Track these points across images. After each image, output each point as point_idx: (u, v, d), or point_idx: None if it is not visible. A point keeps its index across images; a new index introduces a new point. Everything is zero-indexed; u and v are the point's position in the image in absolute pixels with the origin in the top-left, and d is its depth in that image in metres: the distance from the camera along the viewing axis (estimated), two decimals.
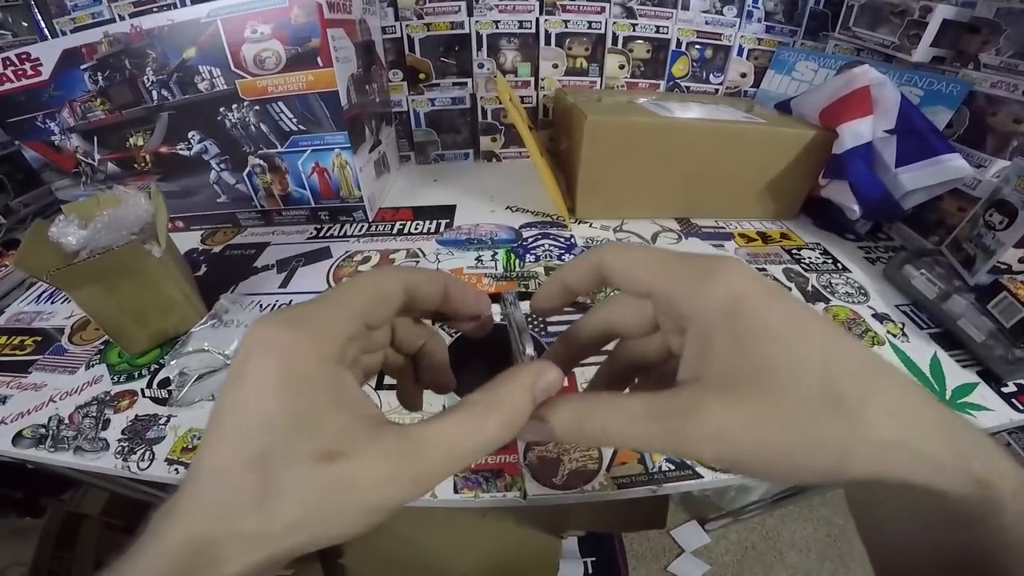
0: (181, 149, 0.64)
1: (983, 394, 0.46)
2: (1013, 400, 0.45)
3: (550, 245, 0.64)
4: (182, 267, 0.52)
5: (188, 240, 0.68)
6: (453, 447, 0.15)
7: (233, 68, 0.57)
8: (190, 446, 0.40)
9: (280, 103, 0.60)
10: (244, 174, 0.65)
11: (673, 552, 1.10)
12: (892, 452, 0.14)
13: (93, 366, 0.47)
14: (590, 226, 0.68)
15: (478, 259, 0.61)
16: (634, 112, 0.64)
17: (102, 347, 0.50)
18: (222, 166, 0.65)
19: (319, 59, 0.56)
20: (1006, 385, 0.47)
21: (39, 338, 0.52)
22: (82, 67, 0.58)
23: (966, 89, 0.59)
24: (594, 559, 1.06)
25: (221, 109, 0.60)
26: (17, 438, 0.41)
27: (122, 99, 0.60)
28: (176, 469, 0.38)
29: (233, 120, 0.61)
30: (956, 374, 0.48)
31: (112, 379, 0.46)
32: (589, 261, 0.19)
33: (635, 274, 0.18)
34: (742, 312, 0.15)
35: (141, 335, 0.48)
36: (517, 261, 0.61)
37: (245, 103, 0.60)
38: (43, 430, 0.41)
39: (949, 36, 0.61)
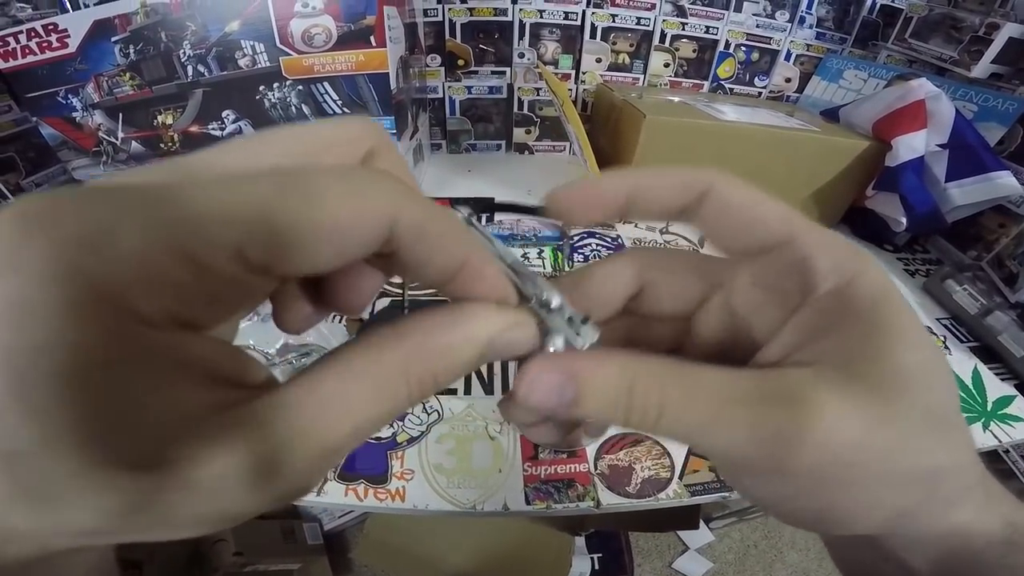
0: (213, 129, 0.60)
1: (1021, 406, 0.47)
2: None
3: (597, 244, 0.62)
4: None
5: None
6: (341, 427, 0.10)
7: (279, 44, 0.54)
8: None
9: (326, 84, 0.57)
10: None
11: (678, 549, 1.12)
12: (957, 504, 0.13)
13: None
14: (635, 226, 0.67)
15: (524, 256, 0.60)
16: (689, 113, 0.63)
17: None
18: None
19: (373, 38, 0.54)
20: None
21: None
22: (113, 39, 0.54)
23: (1023, 107, 0.59)
24: (600, 555, 1.08)
25: (261, 88, 0.57)
26: None
27: (154, 74, 0.56)
28: None
29: (273, 100, 0.58)
30: (996, 387, 0.49)
31: None
32: (686, 176, 0.14)
33: (763, 213, 0.14)
34: (890, 307, 0.13)
35: None
36: (566, 261, 0.59)
37: (288, 82, 0.57)
38: None
39: (1011, 54, 0.61)
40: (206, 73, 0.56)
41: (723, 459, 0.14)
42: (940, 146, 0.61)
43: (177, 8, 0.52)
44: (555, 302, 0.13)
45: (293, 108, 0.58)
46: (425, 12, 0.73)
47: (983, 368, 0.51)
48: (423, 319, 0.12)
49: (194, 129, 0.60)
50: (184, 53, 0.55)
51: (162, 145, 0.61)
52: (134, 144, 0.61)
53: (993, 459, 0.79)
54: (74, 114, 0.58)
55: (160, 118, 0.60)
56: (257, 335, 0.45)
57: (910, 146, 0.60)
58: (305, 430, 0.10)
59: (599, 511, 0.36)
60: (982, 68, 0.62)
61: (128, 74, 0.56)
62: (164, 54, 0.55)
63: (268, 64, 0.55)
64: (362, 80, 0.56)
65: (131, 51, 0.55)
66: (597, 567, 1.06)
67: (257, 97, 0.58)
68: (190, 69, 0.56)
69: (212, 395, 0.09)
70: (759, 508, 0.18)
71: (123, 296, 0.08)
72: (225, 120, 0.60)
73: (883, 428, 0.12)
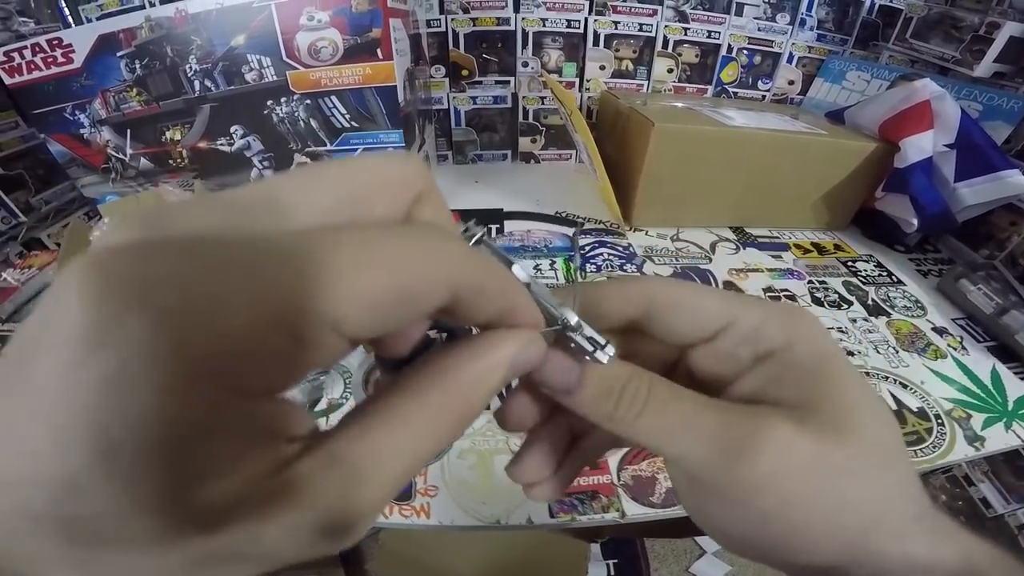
0: (222, 144, 0.60)
1: None
2: None
3: (609, 254, 0.62)
4: None
5: None
6: (394, 472, 0.11)
7: (285, 58, 0.54)
8: None
9: (333, 97, 0.56)
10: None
11: (694, 553, 1.10)
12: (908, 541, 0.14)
13: None
14: (646, 234, 0.67)
15: (536, 268, 0.59)
16: (695, 119, 0.63)
17: None
18: (265, 164, 0.61)
19: (379, 51, 0.53)
20: None
21: None
22: (119, 54, 0.54)
23: None
24: (616, 561, 1.06)
25: (269, 102, 0.57)
26: None
27: (161, 89, 0.56)
28: None
29: (281, 115, 0.58)
30: (1016, 386, 0.49)
31: None
32: (632, 288, 0.17)
33: (707, 304, 0.16)
34: (833, 361, 0.15)
35: None
36: (578, 272, 0.59)
37: (296, 96, 0.56)
38: None
39: (1012, 52, 0.61)
40: (213, 88, 0.56)
41: (689, 465, 0.15)
42: (947, 146, 0.61)
43: (182, 22, 0.52)
44: (573, 321, 0.15)
45: (301, 123, 0.58)
46: (428, 23, 0.73)
47: (1002, 367, 0.51)
48: (451, 354, 0.12)
49: (203, 145, 0.60)
50: (190, 68, 0.55)
51: (171, 161, 0.61)
52: (143, 160, 0.61)
53: (1013, 458, 0.78)
54: (82, 131, 0.57)
55: (168, 134, 0.59)
56: None
57: (918, 147, 0.60)
58: (362, 481, 0.10)
59: (624, 521, 0.35)
60: (985, 67, 0.62)
61: (135, 89, 0.56)
62: (170, 69, 0.55)
63: (275, 78, 0.55)
64: (370, 93, 0.56)
65: (137, 66, 0.54)
66: (613, 573, 1.05)
67: (265, 112, 0.58)
68: (197, 84, 0.56)
69: (276, 453, 0.09)
70: (721, 544, 0.18)
71: (226, 371, 0.08)
72: (234, 136, 0.60)
73: (832, 453, 0.14)
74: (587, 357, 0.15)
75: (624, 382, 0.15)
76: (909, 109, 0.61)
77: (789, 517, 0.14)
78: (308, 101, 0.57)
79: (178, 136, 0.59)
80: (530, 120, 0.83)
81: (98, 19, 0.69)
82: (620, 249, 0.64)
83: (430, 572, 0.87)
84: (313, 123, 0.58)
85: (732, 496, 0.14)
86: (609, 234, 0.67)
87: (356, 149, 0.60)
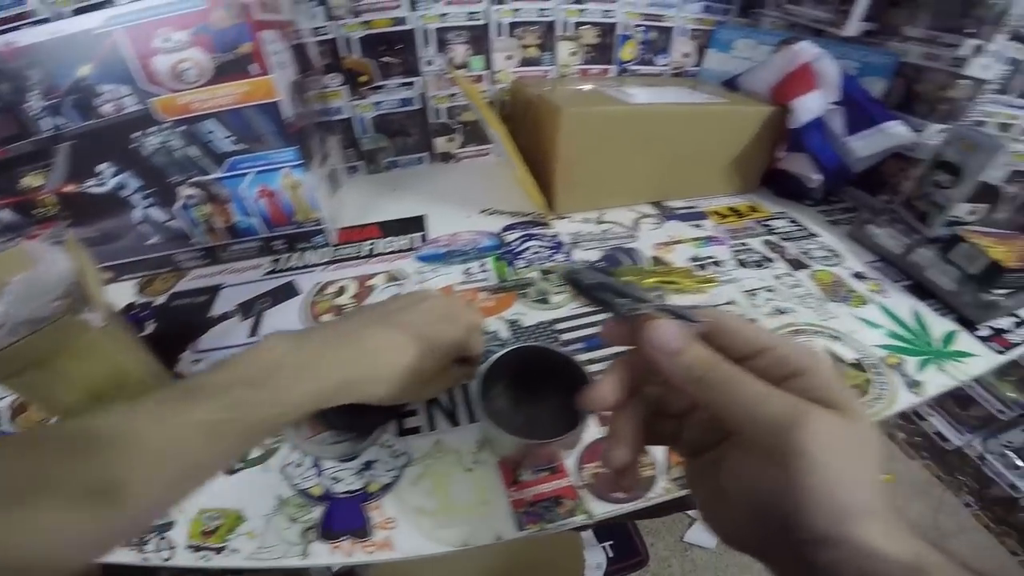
0: (92, 186, 0.53)
1: (965, 341, 0.49)
2: (990, 343, 0.49)
3: (539, 246, 0.61)
4: (127, 327, 0.44)
5: (122, 293, 0.58)
6: None
7: (144, 85, 0.48)
8: (209, 528, 0.34)
9: (211, 121, 0.51)
10: (176, 208, 0.56)
11: (685, 522, 1.13)
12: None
13: None
14: (571, 220, 0.66)
15: (466, 272, 0.57)
16: (601, 101, 0.63)
17: None
18: (148, 201, 0.55)
19: (252, 66, 0.49)
20: (978, 329, 0.51)
21: None
22: None
23: (895, 60, 0.64)
24: (612, 542, 1.08)
25: (136, 134, 0.51)
26: None
27: (2, 132, 0.49)
28: (205, 556, 0.33)
29: (153, 146, 0.52)
30: (938, 324, 0.51)
31: None
32: (708, 321, 0.23)
33: (754, 332, 0.22)
34: (839, 382, 0.21)
35: None
36: (509, 268, 0.57)
37: (166, 125, 0.51)
38: None
39: (876, 10, 0.65)
40: (67, 124, 0.49)
41: (757, 426, 0.19)
42: (834, 104, 0.64)
43: (12, 57, 0.45)
44: (661, 305, 0.23)
45: (178, 152, 0.53)
46: (315, 31, 0.68)
47: (922, 306, 0.53)
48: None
49: (70, 189, 0.53)
50: (33, 105, 0.48)
51: (36, 211, 0.53)
52: (4, 213, 0.53)
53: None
54: None
55: (25, 181, 0.52)
56: None
57: (807, 107, 0.63)
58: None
59: (593, 522, 0.35)
60: (853, 26, 0.65)
61: None
62: (8, 108, 0.48)
63: (138, 107, 0.49)
64: (251, 112, 0.51)
65: None
66: (611, 555, 1.06)
67: (133, 145, 0.51)
68: (45, 122, 0.49)
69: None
70: (719, 526, 0.23)
71: (442, 357, 0.37)
72: (104, 175, 0.53)
73: (853, 437, 0.19)
74: (686, 323, 0.22)
75: (715, 358, 0.21)
76: (793, 72, 0.64)
77: (810, 481, 0.18)
78: (182, 128, 0.51)
79: (38, 182, 0.52)
80: (443, 119, 0.80)
81: None
82: (547, 239, 0.63)
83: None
84: (193, 151, 0.53)
85: (782, 456, 0.18)
86: (535, 225, 0.65)
87: (246, 173, 0.55)
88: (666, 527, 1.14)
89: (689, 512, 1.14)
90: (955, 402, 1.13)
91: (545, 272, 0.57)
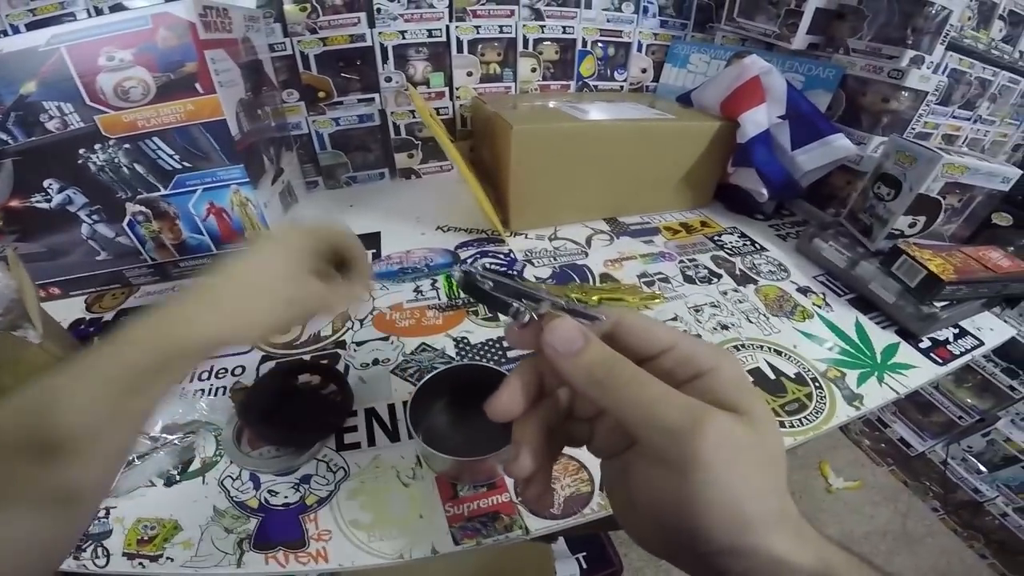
0: (38, 202, 0.53)
1: (906, 353, 0.51)
2: (931, 355, 0.50)
3: (491, 263, 0.61)
4: (69, 344, 0.44)
5: (70, 309, 0.57)
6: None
7: (89, 102, 0.48)
8: (145, 537, 0.35)
9: (156, 138, 0.52)
10: (124, 224, 0.56)
11: None
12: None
13: None
14: (526, 237, 0.67)
15: (417, 290, 0.57)
16: (554, 117, 0.64)
17: None
18: (95, 217, 0.55)
19: (198, 85, 0.49)
20: (921, 341, 0.52)
21: None
22: None
23: (840, 73, 0.66)
24: (585, 553, 1.07)
25: (81, 151, 0.51)
26: None
27: None
28: (141, 563, 0.34)
29: (99, 163, 0.52)
30: (879, 336, 0.52)
31: None
32: (609, 320, 0.22)
33: (656, 332, 0.21)
34: (746, 383, 0.20)
35: None
36: (458, 286, 0.58)
37: (111, 142, 0.51)
38: None
39: (821, 23, 0.67)
40: (10, 140, 0.50)
41: (654, 433, 0.18)
42: (780, 117, 0.66)
43: None
44: (560, 303, 0.22)
45: (125, 169, 0.53)
46: (272, 47, 0.69)
47: (864, 320, 0.54)
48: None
49: (15, 204, 0.53)
50: None
51: None
52: None
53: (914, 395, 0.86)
54: None
55: None
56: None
57: (754, 121, 0.65)
58: None
59: (530, 538, 0.36)
60: (800, 40, 0.67)
61: None
62: None
63: (82, 124, 0.49)
64: (197, 130, 0.52)
65: None
66: (585, 566, 1.05)
67: (79, 161, 0.52)
68: None
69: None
70: (636, 531, 0.22)
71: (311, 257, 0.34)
72: (50, 191, 0.53)
73: (753, 446, 0.18)
74: (586, 321, 0.21)
75: (616, 359, 0.20)
76: (742, 86, 0.66)
77: (710, 494, 0.17)
78: (127, 145, 0.51)
79: None
80: (403, 135, 0.81)
81: None
82: (502, 256, 0.63)
83: None
84: (139, 168, 0.53)
85: (679, 465, 0.17)
86: (490, 242, 0.66)
87: (194, 191, 0.55)
88: None
89: None
90: (916, 408, 1.14)
91: (449, 280, 0.58)
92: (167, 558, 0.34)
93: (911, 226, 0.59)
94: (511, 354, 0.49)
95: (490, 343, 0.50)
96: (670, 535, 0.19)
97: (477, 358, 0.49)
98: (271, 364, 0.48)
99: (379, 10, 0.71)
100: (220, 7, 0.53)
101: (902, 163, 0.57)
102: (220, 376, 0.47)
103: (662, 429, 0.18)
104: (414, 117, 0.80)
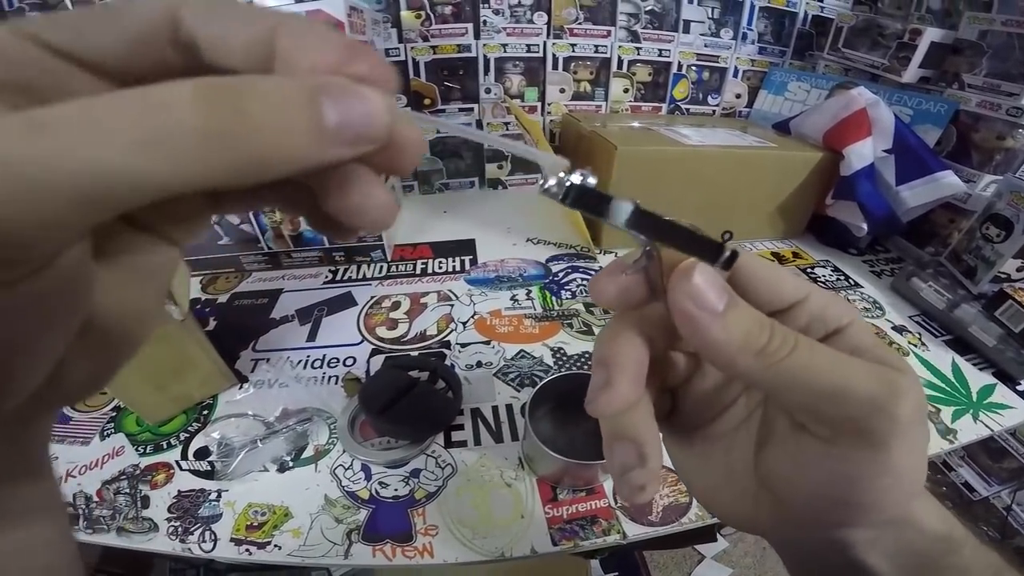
0: None
1: (1003, 394, 0.50)
2: None
3: (583, 279, 0.63)
4: (198, 323, 0.48)
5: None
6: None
7: None
8: (255, 523, 0.36)
9: None
10: (251, 212, 0.61)
11: (694, 559, 1.12)
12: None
13: (108, 435, 0.42)
14: (616, 255, 0.68)
15: (513, 299, 0.60)
16: (655, 140, 0.65)
17: (114, 414, 0.45)
18: None
19: None
20: (1020, 384, 0.51)
21: None
22: None
23: (953, 108, 0.64)
24: (617, 574, 1.07)
25: None
26: None
27: None
28: (247, 550, 0.34)
29: None
30: (976, 377, 0.52)
31: (136, 450, 0.41)
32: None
33: (787, 280, 0.17)
34: (879, 339, 0.17)
35: (163, 402, 0.43)
36: (553, 298, 0.60)
37: None
38: (71, 509, 0.37)
39: (935, 57, 0.65)
40: None
41: (845, 402, 0.15)
42: (886, 151, 0.65)
43: None
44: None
45: None
46: (387, 52, 0.73)
47: (961, 360, 0.54)
48: None
49: None
50: None
51: None
52: None
53: (986, 441, 0.83)
54: None
55: None
56: (255, 404, 0.45)
57: (860, 154, 0.64)
58: None
59: (627, 543, 0.37)
60: (911, 73, 0.66)
61: None
62: None
63: None
64: None
65: None
66: None
67: None
68: None
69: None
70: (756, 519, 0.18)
71: None
72: None
73: (922, 399, 0.15)
74: (719, 264, 0.15)
75: (769, 320, 0.15)
76: (848, 117, 0.65)
77: (906, 462, 0.15)
78: None
79: None
80: (495, 147, 0.84)
81: None
82: (592, 273, 0.65)
83: None
84: None
85: (878, 437, 0.14)
86: (580, 258, 0.68)
87: None
88: (674, 562, 1.12)
89: (698, 547, 1.12)
90: (987, 453, 1.09)
91: (588, 306, 0.59)
92: (275, 546, 0.34)
93: (1019, 270, 0.57)
94: None
95: (587, 355, 0.52)
96: (808, 513, 0.16)
97: (574, 368, 0.50)
98: (380, 358, 0.51)
99: (485, 22, 0.74)
100: (359, 8, 0.55)
101: (1016, 204, 0.55)
102: (332, 365, 0.50)
103: (860, 400, 0.14)
104: (507, 129, 0.82)
